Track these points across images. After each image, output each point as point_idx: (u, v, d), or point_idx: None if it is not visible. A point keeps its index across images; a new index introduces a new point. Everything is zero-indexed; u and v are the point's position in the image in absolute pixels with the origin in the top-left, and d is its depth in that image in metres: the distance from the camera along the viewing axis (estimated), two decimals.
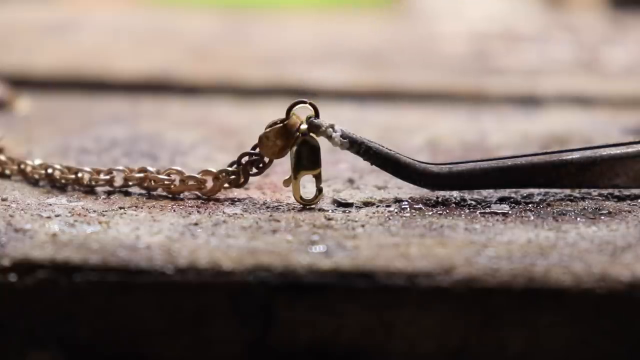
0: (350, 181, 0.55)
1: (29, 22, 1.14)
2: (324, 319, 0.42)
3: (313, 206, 0.50)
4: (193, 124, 0.71)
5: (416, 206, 0.50)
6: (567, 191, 0.52)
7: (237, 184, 0.51)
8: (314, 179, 0.50)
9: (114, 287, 0.42)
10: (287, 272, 0.42)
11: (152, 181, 0.52)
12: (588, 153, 0.51)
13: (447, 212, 0.49)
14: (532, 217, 0.49)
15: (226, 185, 0.51)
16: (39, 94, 0.80)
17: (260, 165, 0.51)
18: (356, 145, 0.50)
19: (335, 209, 0.50)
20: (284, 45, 1.04)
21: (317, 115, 0.50)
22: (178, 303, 0.42)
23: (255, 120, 0.67)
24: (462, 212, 0.49)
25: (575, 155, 0.51)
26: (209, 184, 0.51)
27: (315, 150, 0.50)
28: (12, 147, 0.59)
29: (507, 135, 0.68)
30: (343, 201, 0.51)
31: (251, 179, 0.51)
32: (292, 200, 0.50)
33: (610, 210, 0.50)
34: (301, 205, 0.50)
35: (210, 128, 0.69)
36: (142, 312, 0.42)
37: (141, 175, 0.52)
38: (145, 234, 0.46)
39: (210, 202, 0.51)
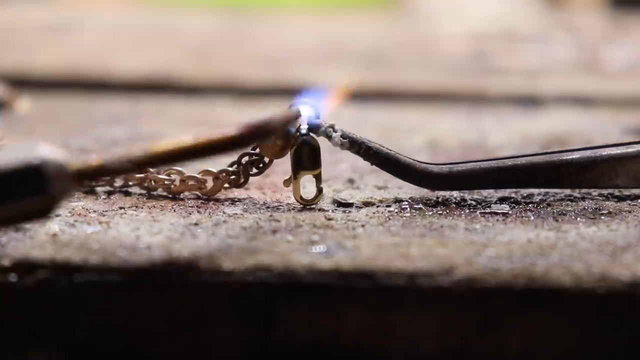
0: (350, 181, 0.55)
1: (29, 22, 1.14)
2: (324, 319, 0.42)
3: (313, 206, 0.50)
4: (193, 124, 0.71)
5: (416, 206, 0.50)
6: (567, 191, 0.52)
7: (237, 184, 0.51)
8: (314, 179, 0.50)
9: (114, 287, 0.42)
10: (287, 272, 0.42)
11: (152, 181, 0.52)
12: (588, 153, 0.51)
13: (447, 212, 0.49)
14: (532, 217, 0.49)
15: (226, 185, 0.51)
16: (39, 94, 0.80)
17: (261, 165, 0.51)
18: (356, 145, 0.50)
19: (335, 209, 0.50)
20: (284, 45, 1.04)
21: (317, 115, 0.50)
22: (178, 303, 0.42)
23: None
24: (462, 212, 0.49)
25: (575, 155, 0.51)
26: (209, 184, 0.51)
27: (315, 150, 0.50)
28: None
29: (507, 135, 0.68)
30: (343, 201, 0.51)
31: (251, 179, 0.51)
32: (292, 200, 0.50)
33: (610, 210, 0.50)
34: (301, 205, 0.50)
35: (210, 128, 0.69)
36: (142, 312, 0.42)
37: (141, 175, 0.52)
38: (145, 234, 0.46)
39: (211, 202, 0.51)
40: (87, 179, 0.43)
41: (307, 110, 0.49)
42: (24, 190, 0.41)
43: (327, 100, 0.51)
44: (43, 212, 0.41)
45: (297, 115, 0.48)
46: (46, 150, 0.41)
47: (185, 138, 0.43)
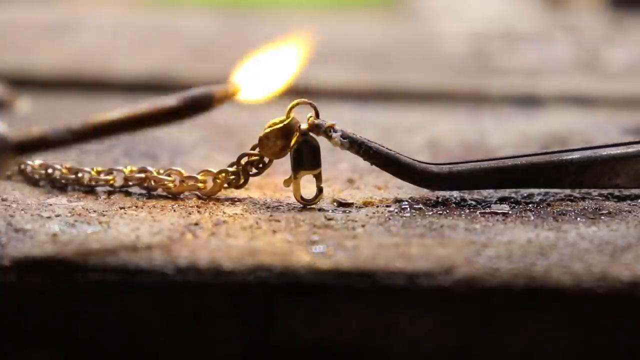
0: (350, 181, 0.55)
1: (29, 22, 1.14)
2: (324, 319, 0.42)
3: (313, 206, 0.50)
4: (193, 124, 0.71)
5: (416, 206, 0.50)
6: (567, 191, 0.52)
7: (236, 185, 0.51)
8: (314, 179, 0.50)
9: (114, 287, 0.42)
10: (287, 272, 0.42)
11: (152, 181, 0.52)
12: (588, 153, 0.51)
13: (447, 212, 0.49)
14: (532, 217, 0.49)
15: (226, 185, 0.51)
16: (39, 94, 0.80)
17: (260, 165, 0.51)
18: (356, 145, 0.50)
19: (335, 209, 0.50)
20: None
21: (317, 115, 0.50)
22: (178, 303, 0.42)
23: (255, 120, 0.67)
24: (462, 212, 0.49)
25: (575, 155, 0.51)
26: (209, 184, 0.51)
27: (315, 150, 0.50)
28: None
29: (507, 135, 0.68)
30: (343, 201, 0.51)
31: (251, 178, 0.51)
32: (292, 200, 0.50)
33: (610, 210, 0.50)
34: (301, 205, 0.50)
35: (210, 128, 0.69)
36: (142, 312, 0.42)
37: (141, 175, 0.52)
38: (145, 234, 0.46)
39: (210, 202, 0.51)
40: (29, 151, 0.42)
41: (247, 85, 0.49)
42: None
43: (269, 77, 0.50)
44: None
45: (237, 89, 0.48)
46: None
47: (126, 109, 0.43)
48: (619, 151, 0.51)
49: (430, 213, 0.49)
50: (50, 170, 0.53)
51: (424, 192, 0.52)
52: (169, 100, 0.43)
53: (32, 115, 0.74)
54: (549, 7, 1.49)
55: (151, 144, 0.64)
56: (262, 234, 0.46)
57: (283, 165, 0.52)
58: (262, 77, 0.50)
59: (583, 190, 0.52)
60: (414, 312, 0.42)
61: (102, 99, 0.80)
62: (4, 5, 1.28)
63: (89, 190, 0.52)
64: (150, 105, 0.43)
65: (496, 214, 0.49)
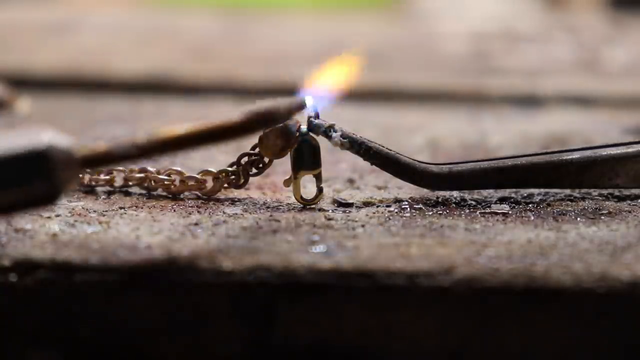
0: (350, 181, 0.55)
1: (29, 22, 1.14)
2: (324, 319, 0.42)
3: (313, 206, 0.50)
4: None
5: (416, 206, 0.50)
6: (567, 191, 0.52)
7: (237, 185, 0.51)
8: (314, 179, 0.50)
9: (114, 287, 0.42)
10: (287, 272, 0.42)
11: (152, 181, 0.52)
12: (588, 153, 0.51)
13: (447, 212, 0.49)
14: (532, 217, 0.49)
15: (226, 185, 0.51)
16: (39, 94, 0.80)
17: (260, 165, 0.51)
18: (356, 145, 0.50)
19: (335, 209, 0.50)
20: (284, 45, 1.04)
21: (317, 115, 0.50)
22: (178, 303, 0.42)
23: None
24: (462, 212, 0.49)
25: (575, 155, 0.51)
26: (209, 184, 0.51)
27: (315, 150, 0.50)
28: None
29: (507, 135, 0.68)
30: (343, 201, 0.51)
31: (251, 179, 0.51)
32: (292, 200, 0.50)
33: (610, 210, 0.50)
34: (301, 205, 0.50)
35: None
36: (142, 312, 0.42)
37: (141, 175, 0.52)
38: (145, 234, 0.46)
39: (211, 202, 0.51)
40: (93, 165, 0.43)
41: (312, 101, 0.49)
42: (30, 176, 0.40)
43: (327, 96, 0.51)
44: (49, 198, 0.41)
45: (302, 105, 0.48)
46: (52, 135, 0.41)
47: (190, 125, 0.43)
48: (619, 151, 0.51)
49: (430, 213, 0.49)
50: None
51: (424, 192, 0.52)
52: (235, 116, 0.43)
53: (32, 116, 0.74)
54: (549, 7, 1.49)
55: None
56: (262, 234, 0.46)
57: (283, 165, 0.52)
58: (324, 89, 0.50)
59: (583, 190, 0.52)
60: (414, 312, 0.42)
61: (102, 99, 0.80)
62: (4, 5, 1.28)
63: (89, 190, 0.52)
64: (215, 120, 0.43)
65: (496, 214, 0.49)
